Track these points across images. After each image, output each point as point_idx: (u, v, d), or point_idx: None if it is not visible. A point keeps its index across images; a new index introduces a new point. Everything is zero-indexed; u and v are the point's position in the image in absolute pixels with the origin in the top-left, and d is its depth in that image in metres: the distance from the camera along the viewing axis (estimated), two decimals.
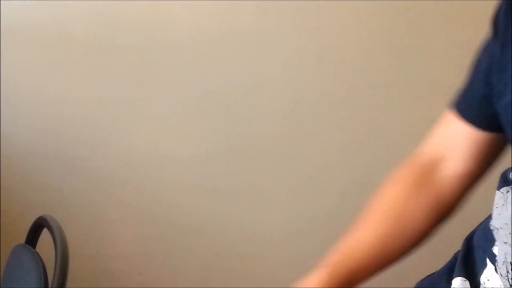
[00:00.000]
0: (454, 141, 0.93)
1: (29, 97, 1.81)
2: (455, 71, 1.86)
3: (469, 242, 0.91)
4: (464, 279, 0.86)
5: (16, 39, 1.77)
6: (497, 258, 0.82)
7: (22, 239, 1.25)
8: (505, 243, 0.82)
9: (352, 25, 1.83)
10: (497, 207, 0.85)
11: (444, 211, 0.93)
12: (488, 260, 0.84)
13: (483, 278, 0.84)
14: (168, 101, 1.85)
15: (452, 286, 0.87)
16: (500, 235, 0.83)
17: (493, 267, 0.82)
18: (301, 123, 1.89)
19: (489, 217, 0.87)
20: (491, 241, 0.84)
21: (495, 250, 0.83)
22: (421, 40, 1.85)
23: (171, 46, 1.81)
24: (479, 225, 0.91)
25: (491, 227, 0.85)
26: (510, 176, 0.84)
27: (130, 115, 1.84)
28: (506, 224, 0.82)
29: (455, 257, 0.92)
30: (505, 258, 0.81)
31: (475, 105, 0.90)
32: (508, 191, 0.84)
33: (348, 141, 1.90)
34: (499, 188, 0.85)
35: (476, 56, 0.91)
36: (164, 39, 1.81)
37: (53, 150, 1.85)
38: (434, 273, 0.96)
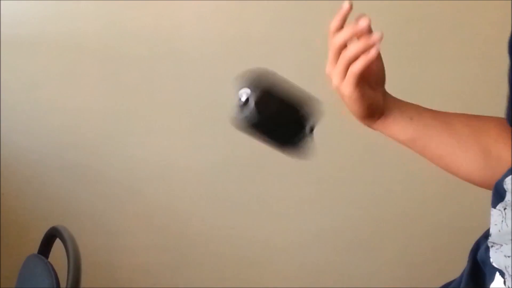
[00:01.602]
0: None
1: (41, 107, 1.82)
2: (464, 78, 1.87)
3: (474, 256, 0.91)
4: None
5: (25, 49, 1.79)
6: (505, 271, 0.82)
7: (35, 249, 1.26)
8: (508, 257, 0.82)
9: None
10: (496, 224, 0.85)
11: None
12: (498, 274, 0.84)
13: None
14: (177, 112, 1.85)
15: None
16: (502, 250, 0.83)
17: (502, 280, 0.83)
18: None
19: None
20: None
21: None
22: (430, 48, 1.85)
23: (180, 57, 1.82)
24: (482, 238, 0.91)
25: (490, 244, 0.85)
26: (505, 185, 0.84)
27: (141, 126, 1.85)
28: (510, 239, 0.82)
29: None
30: (506, 271, 0.82)
31: None
32: (505, 208, 0.84)
33: (357, 151, 1.90)
34: (494, 205, 0.86)
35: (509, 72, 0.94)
36: (175, 50, 1.82)
37: (66, 160, 1.86)
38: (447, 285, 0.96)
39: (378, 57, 0.95)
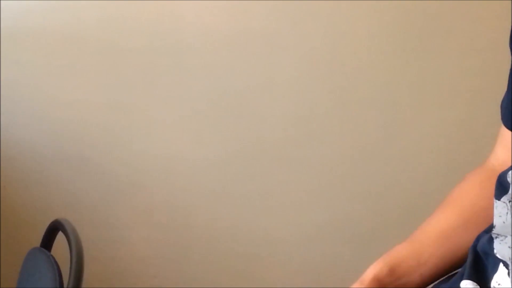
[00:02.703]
0: None
1: (43, 101, 1.82)
2: (467, 76, 1.87)
3: (475, 249, 0.91)
4: (473, 282, 0.86)
5: (27, 42, 1.79)
6: (509, 262, 0.82)
7: (37, 242, 1.26)
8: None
9: (364, 28, 1.84)
10: (500, 216, 0.85)
11: None
12: (501, 265, 0.84)
13: (493, 283, 0.84)
14: (179, 105, 1.85)
15: (461, 286, 0.87)
16: (506, 242, 0.83)
17: (506, 271, 0.83)
18: (313, 127, 1.89)
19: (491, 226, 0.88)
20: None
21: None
22: (434, 44, 1.85)
23: (182, 49, 1.82)
24: (483, 233, 0.91)
25: (493, 235, 0.85)
26: (508, 178, 0.84)
27: (143, 119, 1.85)
28: None
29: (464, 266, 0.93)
30: (510, 262, 0.82)
31: None
32: (510, 201, 0.84)
33: (359, 146, 1.90)
34: (498, 197, 0.85)
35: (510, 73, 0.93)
36: (175, 43, 1.82)
37: (67, 153, 1.86)
38: (448, 278, 0.96)
39: None
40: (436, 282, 0.97)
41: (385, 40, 1.85)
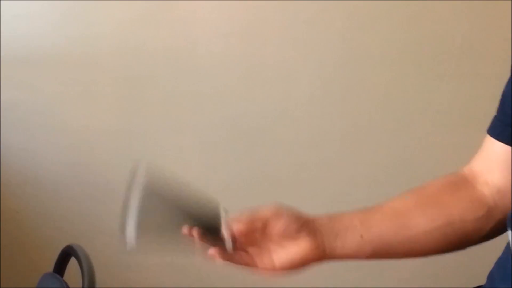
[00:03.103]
0: (493, 159, 0.97)
1: (58, 127, 1.84)
2: (479, 99, 1.86)
3: (491, 276, 0.91)
4: None
5: (44, 70, 1.80)
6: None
7: (50, 267, 1.26)
8: None
9: (377, 55, 1.84)
10: None
11: (480, 217, 0.94)
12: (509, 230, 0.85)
13: None
14: (193, 131, 1.86)
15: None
16: None
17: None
18: (326, 153, 1.89)
19: (505, 254, 0.88)
20: None
21: None
22: (445, 70, 1.85)
23: (196, 76, 1.83)
24: (495, 265, 0.91)
25: None
26: None
27: (156, 145, 1.86)
28: None
29: None
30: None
31: (508, 126, 0.94)
32: None
33: (373, 170, 1.90)
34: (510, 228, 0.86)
35: (504, 88, 0.98)
36: (190, 70, 1.83)
37: (80, 179, 1.86)
38: None
39: (279, 217, 0.95)
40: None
41: (397, 67, 1.86)
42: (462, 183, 0.98)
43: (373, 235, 0.93)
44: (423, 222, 0.94)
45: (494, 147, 0.97)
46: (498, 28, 1.80)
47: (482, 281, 0.96)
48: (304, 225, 0.93)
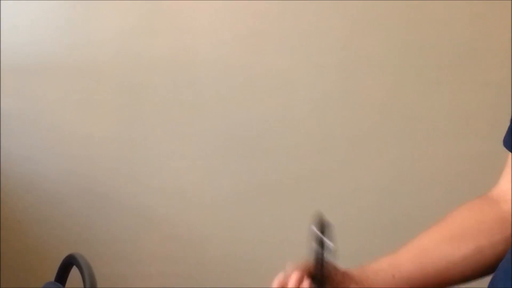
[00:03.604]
0: None
1: (59, 136, 1.84)
2: (481, 103, 1.86)
3: (494, 278, 0.91)
4: None
5: (44, 78, 1.81)
6: None
7: (51, 276, 1.26)
8: None
9: (377, 62, 1.84)
10: None
11: (508, 236, 0.94)
12: None
13: None
14: (194, 139, 1.86)
15: None
16: None
17: None
18: (328, 160, 1.89)
19: (508, 255, 0.88)
20: None
21: None
22: (447, 77, 1.86)
23: (196, 85, 1.83)
24: (498, 268, 0.91)
25: None
26: None
27: (157, 153, 1.86)
28: None
29: None
30: None
31: None
32: None
33: (373, 180, 1.90)
34: None
35: None
36: (190, 78, 1.83)
37: (82, 188, 1.86)
38: None
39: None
40: None
41: (398, 72, 1.86)
42: (487, 205, 0.97)
43: (404, 274, 0.94)
44: (452, 254, 0.94)
45: None
46: (499, 32, 1.80)
47: (485, 283, 0.96)
48: (344, 276, 0.95)
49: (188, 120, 1.85)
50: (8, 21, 1.76)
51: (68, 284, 1.26)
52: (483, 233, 0.94)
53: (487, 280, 0.95)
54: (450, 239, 0.95)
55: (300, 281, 0.92)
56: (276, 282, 0.94)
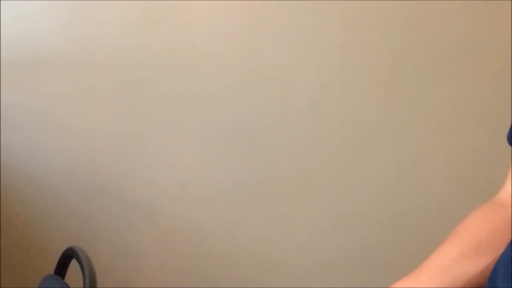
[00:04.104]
0: None
1: (58, 129, 1.84)
2: (481, 100, 1.86)
3: (492, 275, 0.91)
4: None
5: (40, 70, 1.80)
6: None
7: (51, 269, 1.26)
8: None
9: (377, 57, 1.84)
10: None
11: None
12: None
13: None
14: (192, 133, 1.86)
15: None
16: None
17: None
18: (327, 156, 1.89)
19: (506, 253, 0.88)
20: None
21: None
22: (446, 72, 1.85)
23: (196, 78, 1.83)
24: (497, 263, 0.91)
25: None
26: None
27: (156, 147, 1.86)
28: None
29: None
30: None
31: None
32: None
33: (374, 174, 1.90)
34: None
35: None
36: (189, 72, 1.83)
37: (80, 181, 1.86)
38: None
39: None
40: None
41: (397, 68, 1.86)
42: (497, 212, 0.97)
43: None
44: (471, 271, 0.93)
45: None
46: (498, 29, 1.80)
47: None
48: None
49: (187, 115, 1.85)
50: (8, 14, 1.76)
51: (67, 277, 1.26)
52: (498, 243, 0.93)
53: None
54: (467, 255, 0.94)
55: None
56: None
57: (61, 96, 1.82)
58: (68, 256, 1.23)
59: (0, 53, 1.77)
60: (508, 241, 0.93)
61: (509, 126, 0.98)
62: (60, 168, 1.86)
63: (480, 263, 0.93)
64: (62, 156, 1.85)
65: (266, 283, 1.95)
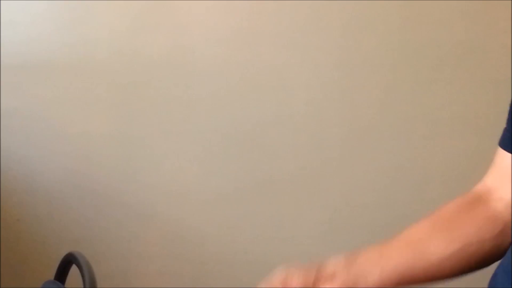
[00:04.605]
0: (506, 172, 0.96)
1: (55, 134, 1.84)
2: (479, 103, 1.87)
3: (494, 278, 0.91)
4: None
5: (40, 76, 1.81)
6: None
7: (51, 274, 1.26)
8: None
9: (374, 61, 1.85)
10: None
11: (497, 234, 0.94)
12: None
13: None
14: (190, 137, 1.86)
15: None
16: None
17: None
18: (325, 158, 1.89)
19: (504, 260, 0.88)
20: None
21: None
22: (444, 75, 1.86)
23: (194, 82, 1.83)
24: (497, 267, 0.91)
25: None
26: None
27: (155, 151, 1.86)
28: None
29: None
30: None
31: None
32: None
33: (372, 177, 1.90)
34: None
35: None
36: (187, 75, 1.83)
37: (80, 187, 1.87)
38: None
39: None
40: None
41: (396, 70, 1.86)
42: (476, 202, 0.98)
43: (391, 268, 0.94)
44: (440, 248, 0.94)
45: (506, 161, 0.96)
46: (498, 31, 1.80)
47: (485, 283, 0.96)
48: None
49: (185, 118, 1.85)
50: (6, 19, 1.76)
51: (67, 282, 1.26)
52: (472, 229, 0.95)
53: (487, 280, 0.95)
54: (439, 233, 0.96)
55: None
56: (276, 281, 0.94)
57: (60, 100, 1.82)
58: (68, 261, 1.23)
59: None
60: (483, 233, 0.94)
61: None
62: (60, 173, 1.86)
63: (450, 247, 0.94)
64: (62, 161, 1.85)
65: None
